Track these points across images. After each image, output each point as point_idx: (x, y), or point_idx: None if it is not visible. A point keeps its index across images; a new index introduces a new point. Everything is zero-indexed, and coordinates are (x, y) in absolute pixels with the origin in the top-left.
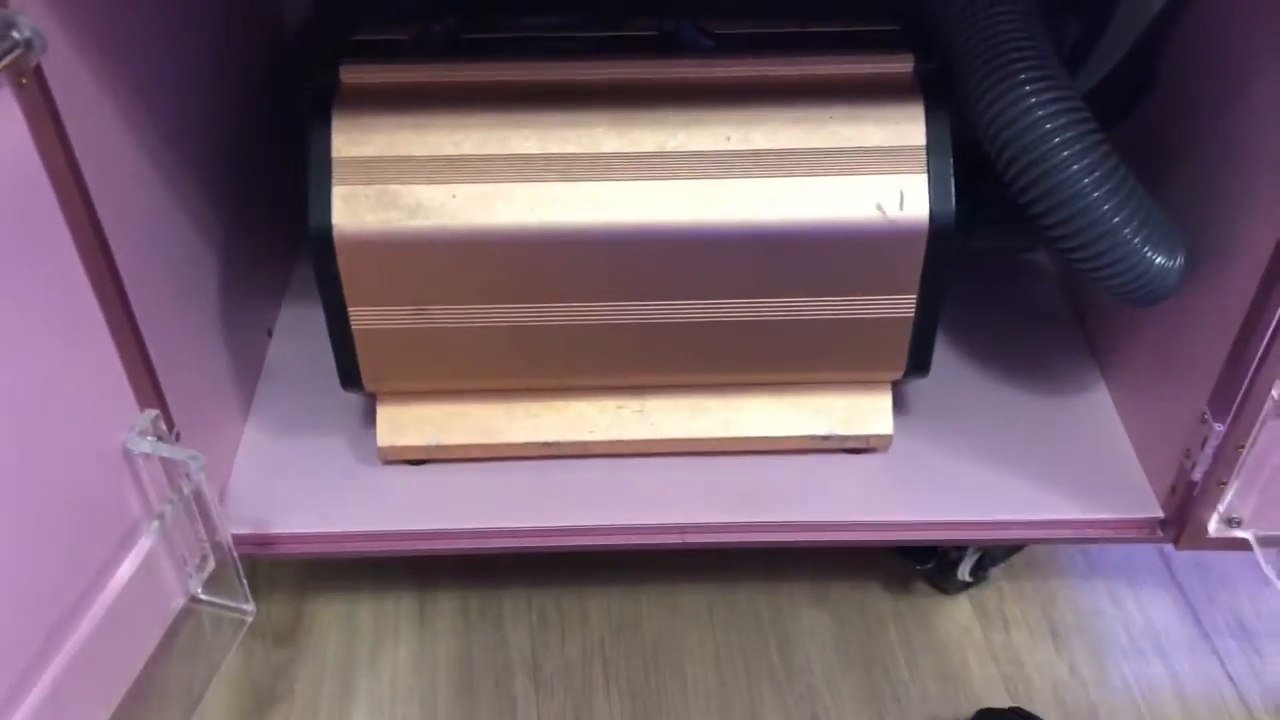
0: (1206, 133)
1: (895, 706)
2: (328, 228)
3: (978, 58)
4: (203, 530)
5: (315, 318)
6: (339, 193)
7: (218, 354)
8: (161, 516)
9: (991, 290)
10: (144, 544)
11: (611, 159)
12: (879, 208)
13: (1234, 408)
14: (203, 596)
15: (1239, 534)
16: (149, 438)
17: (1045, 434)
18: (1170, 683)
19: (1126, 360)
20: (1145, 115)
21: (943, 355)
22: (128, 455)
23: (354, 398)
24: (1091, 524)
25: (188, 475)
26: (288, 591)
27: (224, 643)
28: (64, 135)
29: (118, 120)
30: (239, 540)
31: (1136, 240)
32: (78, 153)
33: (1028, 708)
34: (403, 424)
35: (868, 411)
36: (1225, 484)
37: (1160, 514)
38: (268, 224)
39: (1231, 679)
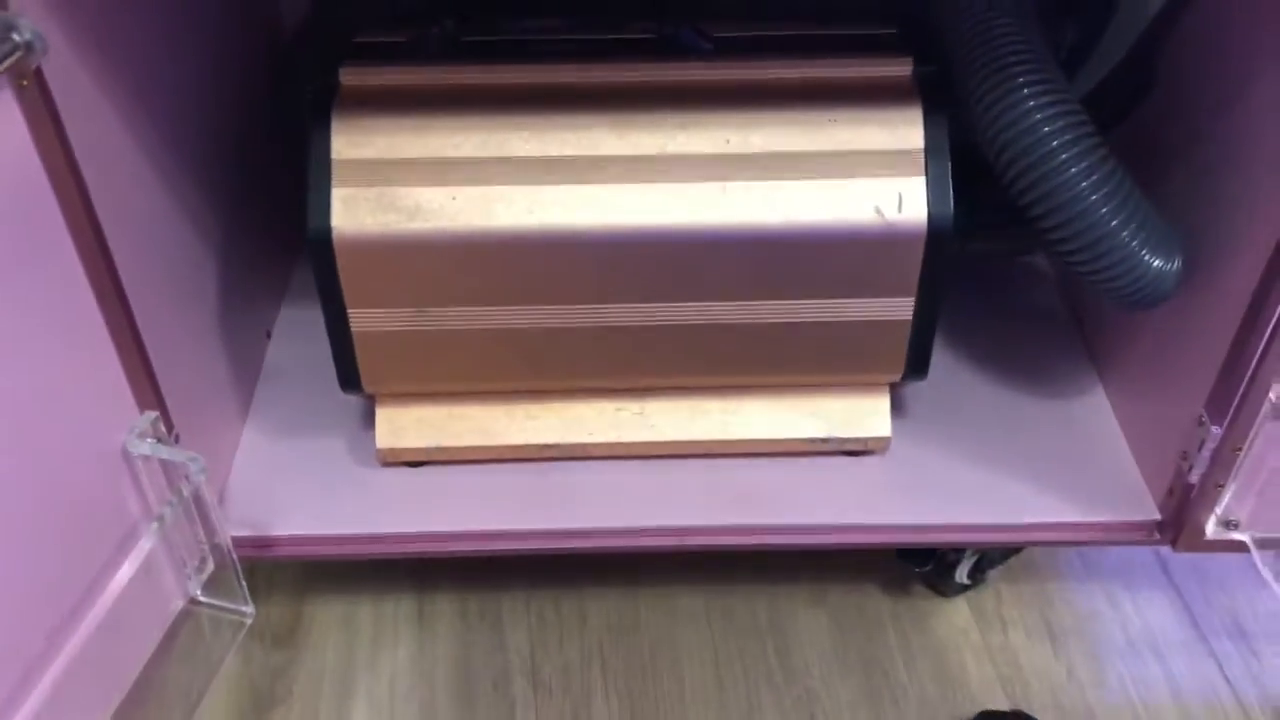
0: (1205, 133)
1: (893, 708)
2: (327, 230)
3: (976, 61)
4: (202, 532)
5: (314, 320)
6: (338, 195)
7: (217, 356)
8: (161, 518)
9: (989, 293)
10: (143, 546)
11: (611, 162)
12: (877, 210)
13: (1231, 410)
14: (202, 598)
15: (1236, 536)
16: (148, 439)
17: (1043, 436)
18: (1167, 685)
19: (1124, 363)
20: (1144, 116)
21: (941, 358)
22: (127, 457)
23: (353, 400)
24: (1089, 526)
25: (187, 477)
26: (287, 593)
27: (223, 644)
28: (64, 137)
29: (118, 122)
30: (238, 542)
31: (1134, 243)
32: (78, 155)
33: (1025, 709)
34: (402, 426)
35: (866, 414)
36: (1222, 486)
37: (1157, 516)
38: (267, 226)
39: (1228, 681)
